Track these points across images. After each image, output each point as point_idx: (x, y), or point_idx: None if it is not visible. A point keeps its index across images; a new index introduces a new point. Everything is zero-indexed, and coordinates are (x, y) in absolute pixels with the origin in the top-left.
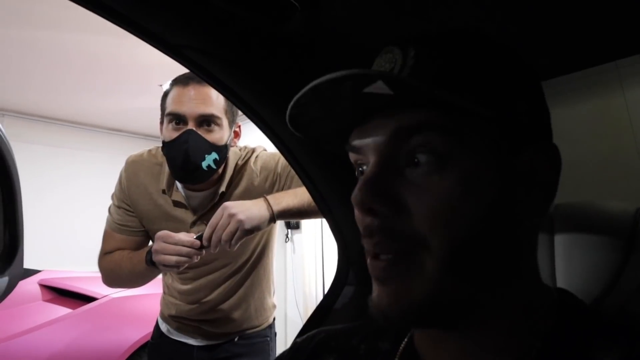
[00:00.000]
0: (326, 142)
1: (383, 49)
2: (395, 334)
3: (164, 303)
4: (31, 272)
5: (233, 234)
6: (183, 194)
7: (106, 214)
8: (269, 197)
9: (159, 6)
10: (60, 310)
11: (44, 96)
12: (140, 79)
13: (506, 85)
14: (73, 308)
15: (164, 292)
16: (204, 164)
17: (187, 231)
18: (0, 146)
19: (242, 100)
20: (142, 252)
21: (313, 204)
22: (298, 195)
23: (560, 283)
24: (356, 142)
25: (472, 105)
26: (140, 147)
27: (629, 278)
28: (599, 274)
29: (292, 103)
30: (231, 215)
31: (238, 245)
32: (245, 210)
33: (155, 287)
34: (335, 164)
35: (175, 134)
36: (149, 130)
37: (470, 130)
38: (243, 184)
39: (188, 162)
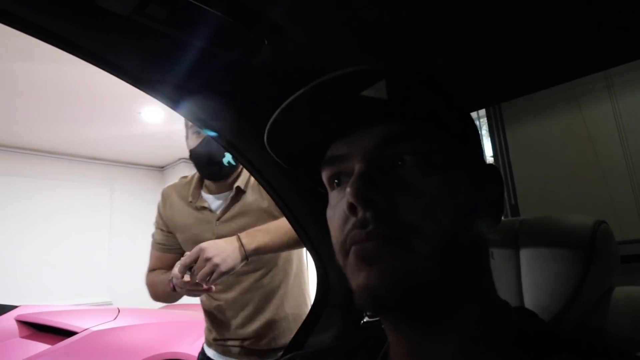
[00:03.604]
0: (296, 162)
1: None
2: (368, 351)
3: (206, 328)
4: (7, 308)
5: (208, 275)
6: (206, 200)
7: (87, 246)
8: (242, 237)
9: (132, 45)
10: (39, 347)
11: (21, 127)
12: (118, 107)
13: (462, 112)
14: (52, 344)
15: (205, 318)
16: (225, 160)
17: (214, 229)
18: None
19: (216, 130)
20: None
21: (284, 240)
22: (270, 233)
23: (527, 296)
24: (338, 151)
25: (450, 115)
26: (121, 175)
27: (590, 289)
28: (562, 286)
29: (283, 105)
30: (207, 259)
31: (216, 282)
32: (221, 253)
33: (135, 319)
34: (308, 187)
35: (198, 140)
36: (128, 158)
37: (445, 140)
38: (256, 184)
39: (211, 161)
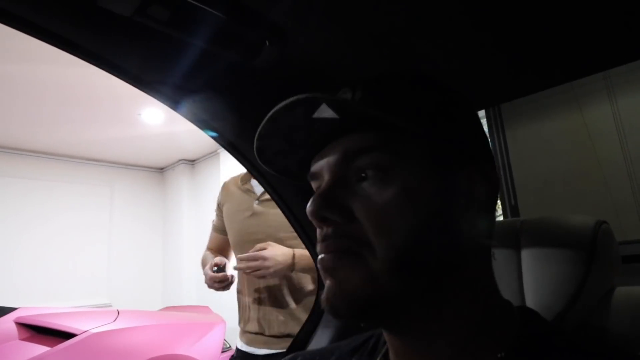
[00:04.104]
0: (293, 176)
1: (340, 91)
2: (369, 351)
3: (240, 317)
4: (6, 310)
5: (261, 277)
6: (252, 184)
7: (87, 247)
8: (296, 257)
9: (133, 46)
10: (38, 349)
11: (21, 129)
12: (118, 108)
13: (437, 113)
14: (51, 346)
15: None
16: None
17: (253, 207)
18: None
19: (217, 131)
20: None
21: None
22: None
23: (529, 297)
24: (314, 168)
25: (406, 124)
26: (121, 177)
27: (591, 289)
28: (563, 286)
29: (256, 136)
30: (266, 267)
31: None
32: (277, 265)
33: (135, 321)
34: (309, 189)
35: None
36: (128, 159)
37: (408, 148)
38: None
39: None
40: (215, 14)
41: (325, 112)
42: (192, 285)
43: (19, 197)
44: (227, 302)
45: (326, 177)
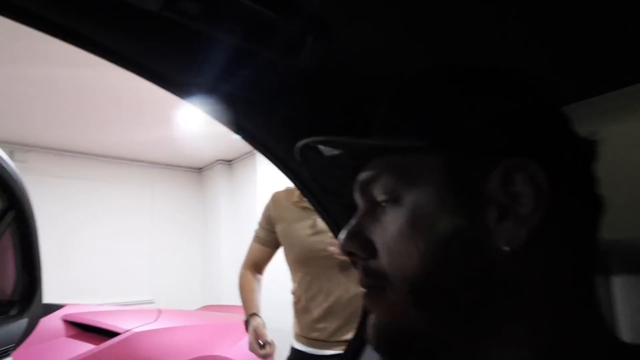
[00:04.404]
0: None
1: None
2: None
3: (297, 323)
4: (54, 308)
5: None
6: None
7: (129, 245)
8: None
9: (161, 44)
10: (83, 347)
11: (68, 131)
12: (157, 109)
13: (450, 116)
14: (96, 344)
15: (296, 314)
16: None
17: (317, 223)
18: (18, 192)
19: (250, 134)
20: (249, 308)
21: None
22: None
23: (625, 334)
24: (355, 199)
25: (407, 143)
26: (162, 177)
27: None
28: None
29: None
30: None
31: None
32: None
33: (175, 321)
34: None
35: None
36: (168, 160)
37: (418, 167)
38: None
39: None
40: (250, 5)
41: (330, 151)
42: (231, 284)
43: (65, 197)
44: (265, 301)
45: (360, 208)
